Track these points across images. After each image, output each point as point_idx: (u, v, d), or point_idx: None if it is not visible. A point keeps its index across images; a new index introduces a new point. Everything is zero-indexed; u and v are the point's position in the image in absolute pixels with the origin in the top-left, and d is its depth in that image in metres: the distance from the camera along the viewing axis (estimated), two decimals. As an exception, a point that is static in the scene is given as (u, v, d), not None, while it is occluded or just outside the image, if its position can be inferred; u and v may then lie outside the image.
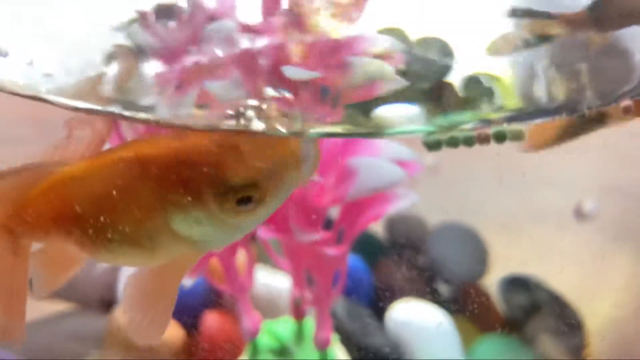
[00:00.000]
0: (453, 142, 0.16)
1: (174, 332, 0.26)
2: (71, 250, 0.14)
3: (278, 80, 0.15)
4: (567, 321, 0.28)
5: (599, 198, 0.26)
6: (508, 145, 0.19)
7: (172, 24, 0.18)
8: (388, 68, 0.15)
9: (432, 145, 0.15)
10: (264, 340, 0.24)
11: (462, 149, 0.19)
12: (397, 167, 0.16)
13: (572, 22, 0.20)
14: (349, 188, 0.16)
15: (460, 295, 0.31)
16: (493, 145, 0.19)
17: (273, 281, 0.27)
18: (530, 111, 0.16)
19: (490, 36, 0.19)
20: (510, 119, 0.16)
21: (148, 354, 0.25)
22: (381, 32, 0.17)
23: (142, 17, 0.16)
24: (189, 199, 0.12)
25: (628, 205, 0.25)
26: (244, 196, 0.13)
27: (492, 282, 0.31)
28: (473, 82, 0.17)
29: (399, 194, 0.17)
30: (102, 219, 0.13)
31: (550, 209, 0.26)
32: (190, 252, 0.14)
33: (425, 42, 0.18)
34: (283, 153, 0.13)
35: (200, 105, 0.14)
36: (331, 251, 0.18)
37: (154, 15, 0.19)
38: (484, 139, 0.18)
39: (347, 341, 0.26)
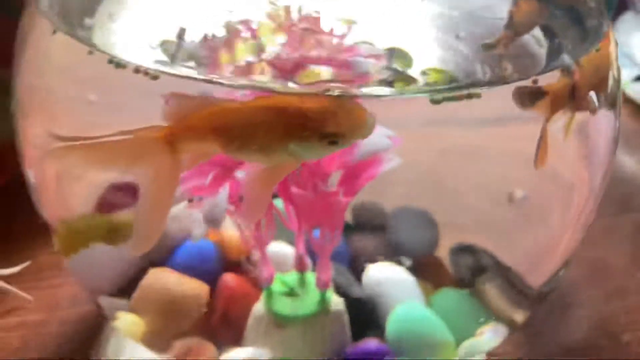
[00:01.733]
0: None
1: (200, 287, 0.32)
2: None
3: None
4: (506, 276, 0.35)
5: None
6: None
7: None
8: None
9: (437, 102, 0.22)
10: (276, 287, 0.31)
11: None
12: (386, 138, 0.24)
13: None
14: (352, 155, 0.24)
15: (417, 263, 0.35)
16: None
17: (278, 248, 0.34)
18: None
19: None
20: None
21: (179, 306, 0.31)
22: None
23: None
24: (302, 135, 0.20)
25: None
26: (333, 140, 0.20)
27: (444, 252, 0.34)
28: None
29: (388, 158, 0.25)
30: (244, 139, 0.20)
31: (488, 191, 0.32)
32: (292, 161, 0.21)
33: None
34: (360, 115, 0.20)
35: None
36: (341, 200, 0.25)
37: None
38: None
39: (336, 290, 0.33)
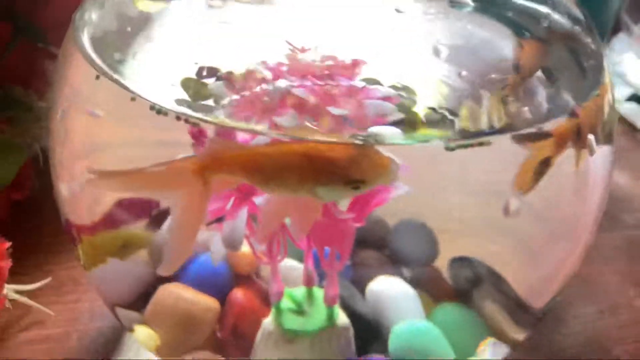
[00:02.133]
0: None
1: (211, 303, 0.34)
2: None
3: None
4: (501, 289, 0.36)
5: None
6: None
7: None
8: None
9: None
10: (285, 303, 0.33)
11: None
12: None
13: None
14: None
15: (418, 274, 0.36)
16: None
17: (288, 264, 0.35)
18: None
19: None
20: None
21: (191, 320, 0.32)
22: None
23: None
24: (327, 179, 0.21)
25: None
26: (355, 186, 0.22)
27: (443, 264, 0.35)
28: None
29: (396, 186, 0.26)
30: (274, 180, 0.21)
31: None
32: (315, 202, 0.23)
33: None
34: (383, 163, 0.22)
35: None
36: (352, 226, 0.27)
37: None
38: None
39: (341, 305, 0.35)
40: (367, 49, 0.29)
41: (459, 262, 0.37)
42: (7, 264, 0.33)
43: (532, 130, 0.26)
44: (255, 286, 0.34)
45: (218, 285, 0.34)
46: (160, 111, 0.23)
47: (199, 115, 0.24)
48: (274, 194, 0.23)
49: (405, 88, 0.28)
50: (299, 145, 0.22)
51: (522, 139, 0.26)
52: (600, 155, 0.29)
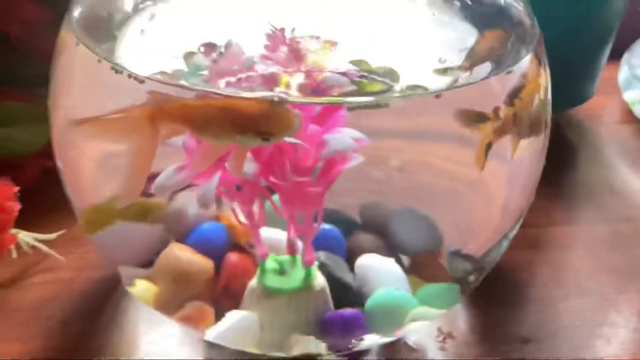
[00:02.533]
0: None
1: (206, 263, 0.38)
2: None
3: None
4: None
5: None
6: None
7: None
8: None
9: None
10: (269, 265, 0.37)
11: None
12: (350, 139, 0.30)
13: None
14: (323, 152, 0.30)
15: (415, 261, 0.39)
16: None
17: (276, 234, 0.39)
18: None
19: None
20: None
21: (186, 276, 0.36)
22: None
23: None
24: (242, 130, 0.26)
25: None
26: (265, 137, 0.26)
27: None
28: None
29: (352, 156, 0.30)
30: (203, 128, 0.26)
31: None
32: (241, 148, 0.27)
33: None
34: (288, 119, 0.26)
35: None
36: (314, 189, 0.31)
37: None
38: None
39: (327, 275, 0.38)
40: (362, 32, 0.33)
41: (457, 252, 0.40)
42: (16, 205, 0.39)
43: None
44: (247, 252, 0.38)
45: (216, 249, 0.38)
46: (117, 70, 0.28)
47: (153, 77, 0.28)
48: (207, 141, 0.28)
49: (389, 70, 0.32)
50: (220, 100, 0.26)
51: (462, 117, 0.29)
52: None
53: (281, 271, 0.36)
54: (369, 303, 0.37)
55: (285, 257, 0.37)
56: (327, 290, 0.37)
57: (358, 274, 0.40)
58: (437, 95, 0.29)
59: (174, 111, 0.27)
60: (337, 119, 0.31)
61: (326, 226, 0.41)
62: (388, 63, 0.33)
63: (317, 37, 0.32)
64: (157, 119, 0.27)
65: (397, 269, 0.39)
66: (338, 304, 0.37)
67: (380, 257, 0.40)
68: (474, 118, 0.29)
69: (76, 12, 0.33)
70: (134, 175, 0.28)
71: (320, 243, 0.42)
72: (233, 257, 0.38)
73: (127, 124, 0.27)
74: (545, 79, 0.34)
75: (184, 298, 0.37)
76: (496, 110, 0.30)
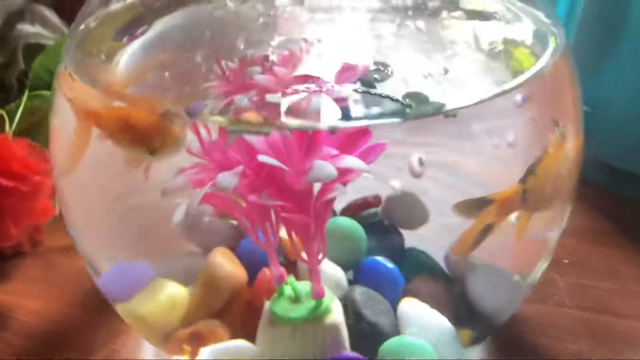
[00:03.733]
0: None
1: (237, 272, 0.36)
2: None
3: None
4: None
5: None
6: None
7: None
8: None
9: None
10: (287, 290, 0.35)
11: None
12: (333, 170, 0.26)
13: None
14: (304, 178, 0.27)
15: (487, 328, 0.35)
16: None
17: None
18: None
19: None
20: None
21: (214, 280, 0.35)
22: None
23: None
24: (130, 143, 0.25)
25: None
26: (150, 152, 0.25)
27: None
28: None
29: (335, 188, 0.27)
30: (109, 132, 0.26)
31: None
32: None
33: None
34: (170, 136, 0.24)
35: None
36: (295, 217, 0.28)
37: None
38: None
39: (353, 311, 0.35)
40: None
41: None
42: (50, 181, 0.41)
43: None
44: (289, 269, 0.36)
45: (260, 262, 0.37)
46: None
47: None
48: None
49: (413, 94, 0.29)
50: (121, 110, 0.25)
51: (463, 209, 0.25)
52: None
53: (296, 299, 0.34)
54: (382, 349, 0.33)
55: (305, 285, 0.34)
56: (342, 327, 0.34)
57: (400, 318, 0.36)
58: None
59: (91, 117, 0.27)
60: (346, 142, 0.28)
61: (388, 264, 0.38)
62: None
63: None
64: (88, 119, 0.27)
65: (444, 322, 0.35)
66: (356, 345, 0.34)
67: (425, 307, 0.36)
68: (476, 206, 0.25)
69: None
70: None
71: (371, 278, 0.39)
72: (262, 274, 0.37)
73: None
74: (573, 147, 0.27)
75: (207, 305, 0.37)
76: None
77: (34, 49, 0.47)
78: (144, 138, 0.26)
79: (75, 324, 0.39)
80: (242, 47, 0.31)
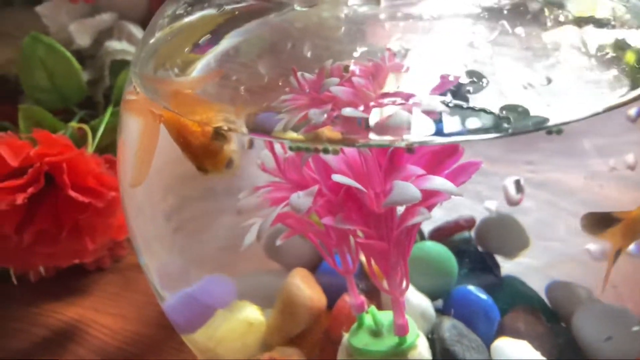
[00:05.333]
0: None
1: (318, 298, 0.34)
2: None
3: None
4: None
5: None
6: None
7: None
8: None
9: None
10: (367, 320, 0.32)
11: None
12: (417, 192, 0.23)
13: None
14: (384, 201, 0.24)
15: None
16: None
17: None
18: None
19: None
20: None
21: (291, 305, 0.33)
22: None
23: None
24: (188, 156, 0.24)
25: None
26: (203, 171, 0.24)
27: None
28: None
29: (419, 212, 0.24)
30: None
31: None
32: None
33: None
34: (219, 159, 0.23)
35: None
36: (370, 242, 0.25)
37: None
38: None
39: (441, 348, 0.32)
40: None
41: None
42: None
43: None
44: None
45: (342, 286, 0.34)
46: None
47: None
48: None
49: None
50: (177, 120, 0.23)
51: (588, 223, 0.21)
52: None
53: (375, 330, 0.31)
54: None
55: (388, 315, 0.32)
56: (424, 366, 0.30)
57: (495, 358, 0.33)
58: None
59: (157, 117, 0.26)
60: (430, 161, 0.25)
61: (482, 294, 0.35)
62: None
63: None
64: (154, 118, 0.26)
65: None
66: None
67: (524, 345, 0.32)
68: (602, 222, 0.21)
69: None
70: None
71: (462, 310, 0.35)
72: (344, 300, 0.34)
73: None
74: None
75: (286, 333, 0.35)
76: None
77: (121, 66, 0.48)
78: (195, 157, 0.24)
79: (149, 343, 0.38)
80: (324, 58, 0.29)
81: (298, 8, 0.27)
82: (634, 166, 0.27)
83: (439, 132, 0.25)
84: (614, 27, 0.30)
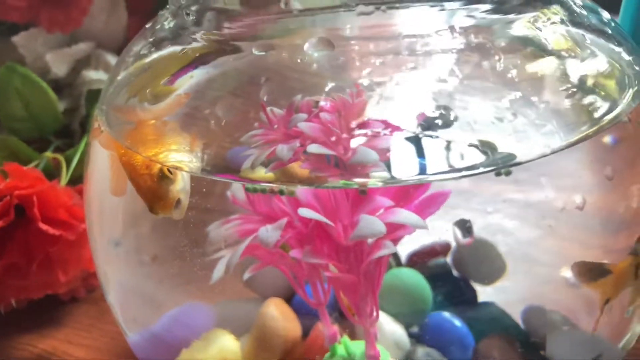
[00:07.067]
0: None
1: (291, 326, 0.34)
2: None
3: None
4: None
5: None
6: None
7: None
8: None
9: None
10: (340, 350, 0.32)
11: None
12: (381, 225, 0.23)
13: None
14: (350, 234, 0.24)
15: None
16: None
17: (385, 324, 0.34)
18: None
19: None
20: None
21: (265, 333, 0.33)
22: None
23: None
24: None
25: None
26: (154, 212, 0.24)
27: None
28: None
29: (384, 245, 0.24)
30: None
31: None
32: None
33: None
34: (166, 201, 0.23)
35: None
36: (346, 277, 0.25)
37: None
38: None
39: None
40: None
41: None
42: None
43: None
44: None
45: (317, 314, 0.34)
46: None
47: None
48: None
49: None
50: (127, 158, 0.23)
51: (580, 272, 0.22)
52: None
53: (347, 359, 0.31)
54: None
55: (361, 345, 0.32)
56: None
57: None
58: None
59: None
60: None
61: (456, 321, 0.35)
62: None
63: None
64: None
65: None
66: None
67: None
68: (595, 272, 0.22)
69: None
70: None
71: (436, 337, 0.35)
72: (318, 330, 0.34)
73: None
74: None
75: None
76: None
77: (97, 95, 0.48)
78: (145, 199, 0.25)
79: (123, 377, 0.38)
80: (296, 92, 0.29)
81: (256, 52, 0.27)
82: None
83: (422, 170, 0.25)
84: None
